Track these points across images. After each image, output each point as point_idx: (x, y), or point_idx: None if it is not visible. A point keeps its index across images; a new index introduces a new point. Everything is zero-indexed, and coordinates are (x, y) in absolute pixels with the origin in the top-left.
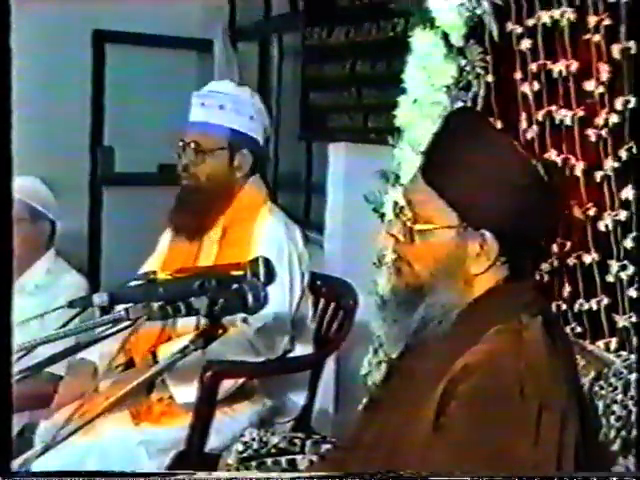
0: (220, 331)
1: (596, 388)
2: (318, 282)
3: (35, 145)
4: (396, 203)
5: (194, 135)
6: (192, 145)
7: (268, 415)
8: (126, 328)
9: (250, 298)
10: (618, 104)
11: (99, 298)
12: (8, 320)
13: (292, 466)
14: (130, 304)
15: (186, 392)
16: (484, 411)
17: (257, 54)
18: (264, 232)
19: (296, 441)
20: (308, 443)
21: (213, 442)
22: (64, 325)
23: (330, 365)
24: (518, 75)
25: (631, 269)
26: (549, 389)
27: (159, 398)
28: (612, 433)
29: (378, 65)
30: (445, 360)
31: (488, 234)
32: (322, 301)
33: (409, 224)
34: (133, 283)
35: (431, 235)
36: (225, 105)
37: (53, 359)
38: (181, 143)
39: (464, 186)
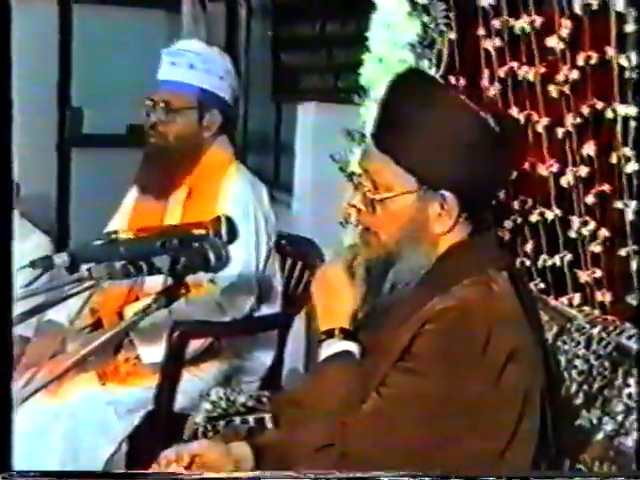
0: (183, 290)
1: (559, 343)
2: (283, 241)
3: None
4: (353, 174)
5: (164, 93)
6: (161, 104)
7: (236, 374)
8: (90, 288)
9: (212, 257)
10: (579, 60)
11: (60, 258)
12: (8, 320)
13: (260, 424)
14: (92, 264)
15: (153, 352)
16: (450, 350)
17: (225, 14)
18: (230, 192)
19: (264, 399)
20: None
21: (181, 402)
22: (28, 285)
23: (300, 324)
24: (481, 32)
25: (592, 224)
26: (517, 340)
27: (125, 358)
28: (574, 387)
29: (347, 25)
30: (413, 311)
31: (447, 193)
32: (289, 260)
33: (369, 194)
34: (96, 243)
35: (392, 202)
36: (195, 64)
37: (20, 319)
38: (150, 102)
39: (418, 149)
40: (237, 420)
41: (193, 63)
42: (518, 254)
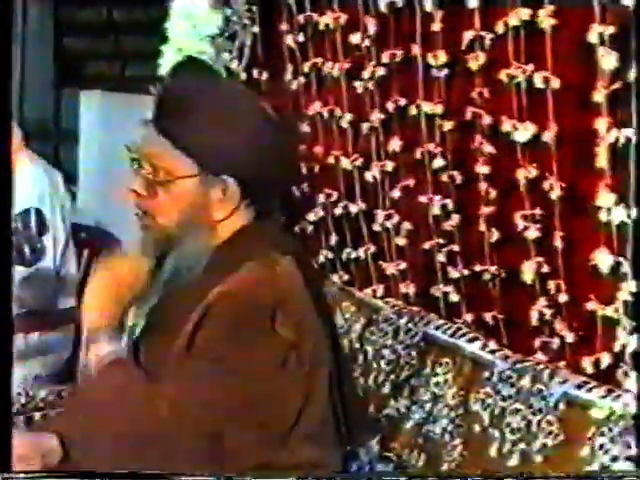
0: None
1: (367, 334)
2: (82, 234)
3: None
4: (133, 159)
5: None
6: None
7: (35, 369)
8: None
9: (27, 250)
10: (385, 57)
11: None
12: (8, 321)
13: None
14: None
15: None
16: (235, 333)
17: None
18: (25, 180)
19: (64, 394)
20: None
21: None
22: None
23: None
24: (284, 27)
25: (396, 218)
26: (301, 323)
27: None
28: (382, 376)
29: (137, 11)
30: (197, 298)
31: (229, 179)
32: (87, 252)
33: (150, 177)
34: None
35: (173, 186)
36: None
37: None
38: None
39: (197, 133)
40: (37, 416)
41: None
42: (322, 247)
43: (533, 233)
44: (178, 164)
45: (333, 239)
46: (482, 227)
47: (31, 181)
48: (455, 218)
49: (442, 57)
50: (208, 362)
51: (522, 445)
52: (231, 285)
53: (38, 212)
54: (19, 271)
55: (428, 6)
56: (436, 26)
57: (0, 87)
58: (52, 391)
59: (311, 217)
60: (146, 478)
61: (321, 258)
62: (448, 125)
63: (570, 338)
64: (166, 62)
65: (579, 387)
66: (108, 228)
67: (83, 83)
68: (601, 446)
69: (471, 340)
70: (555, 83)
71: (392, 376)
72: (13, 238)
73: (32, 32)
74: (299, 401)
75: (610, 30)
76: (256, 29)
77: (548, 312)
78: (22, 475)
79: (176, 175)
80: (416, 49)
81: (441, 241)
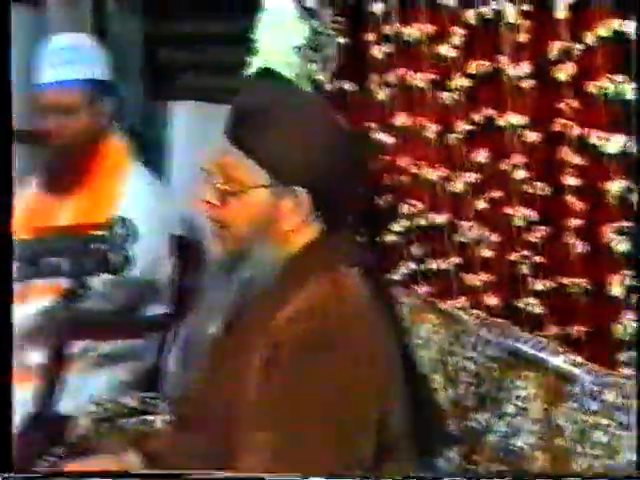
0: (82, 291)
1: (449, 346)
2: (174, 242)
3: None
4: (203, 169)
5: (52, 96)
6: (54, 106)
7: (121, 376)
8: None
9: (112, 258)
10: (471, 68)
11: None
12: (8, 320)
13: (148, 426)
14: None
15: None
16: (306, 356)
17: (91, 8)
18: (128, 189)
19: (150, 401)
20: (162, 404)
21: (66, 405)
22: None
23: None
24: (370, 37)
25: (481, 229)
26: (368, 336)
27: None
28: (464, 389)
29: (227, 23)
30: (268, 314)
31: (300, 190)
32: (180, 262)
33: (221, 187)
34: None
35: (245, 196)
36: (73, 59)
37: None
38: (39, 106)
39: (270, 144)
40: (123, 422)
41: (70, 58)
42: (405, 258)
43: (623, 246)
44: (250, 174)
45: (417, 250)
46: (569, 239)
47: (133, 190)
48: (541, 230)
49: (528, 68)
50: (287, 395)
51: (606, 460)
52: (297, 306)
53: (126, 221)
54: (109, 278)
55: (514, 17)
56: (523, 37)
57: (0, 87)
58: (137, 397)
59: (395, 228)
60: (146, 478)
61: (404, 269)
62: (534, 136)
63: None
64: (254, 73)
65: None
66: (198, 237)
67: (175, 94)
68: None
69: (555, 353)
70: None
71: (475, 389)
72: (104, 245)
73: (124, 44)
74: (376, 416)
75: None
76: (342, 40)
77: (634, 325)
78: (22, 475)
79: (248, 185)
80: (503, 60)
81: (526, 253)
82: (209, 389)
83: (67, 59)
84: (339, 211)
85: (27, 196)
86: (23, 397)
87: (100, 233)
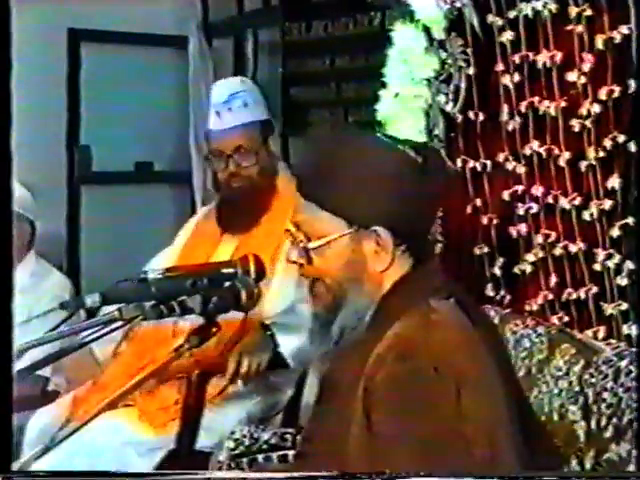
0: (214, 329)
1: (586, 376)
2: None
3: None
4: (285, 230)
5: (234, 140)
6: (236, 151)
7: (258, 411)
8: (118, 329)
9: (243, 295)
10: (601, 94)
11: (91, 299)
12: (8, 320)
13: (284, 462)
14: (122, 304)
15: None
16: (403, 397)
17: (232, 50)
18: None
19: (287, 436)
20: (299, 438)
21: (204, 440)
22: (58, 326)
23: None
24: (500, 67)
25: (617, 257)
26: (465, 366)
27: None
28: (604, 421)
29: (357, 59)
30: (363, 360)
31: (380, 229)
32: None
33: (303, 245)
34: (125, 283)
35: (328, 248)
36: (247, 101)
37: (46, 361)
38: (217, 153)
39: (340, 190)
40: (260, 458)
41: (245, 101)
42: (541, 288)
43: None
44: (328, 225)
45: (553, 280)
46: None
47: None
48: None
49: None
50: (389, 439)
51: None
52: (385, 346)
53: (256, 259)
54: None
55: None
56: None
57: (1, 90)
58: (276, 433)
59: (530, 258)
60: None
61: (540, 299)
62: None
63: None
64: (383, 107)
65: None
66: None
67: (308, 130)
68: None
69: None
70: None
71: (614, 420)
72: (230, 283)
73: (261, 83)
74: (487, 438)
75: None
76: (471, 70)
77: None
78: (22, 475)
79: (329, 236)
80: (633, 84)
81: None
82: (322, 427)
83: (242, 102)
84: (422, 243)
85: (184, 233)
86: (165, 434)
87: (232, 270)
